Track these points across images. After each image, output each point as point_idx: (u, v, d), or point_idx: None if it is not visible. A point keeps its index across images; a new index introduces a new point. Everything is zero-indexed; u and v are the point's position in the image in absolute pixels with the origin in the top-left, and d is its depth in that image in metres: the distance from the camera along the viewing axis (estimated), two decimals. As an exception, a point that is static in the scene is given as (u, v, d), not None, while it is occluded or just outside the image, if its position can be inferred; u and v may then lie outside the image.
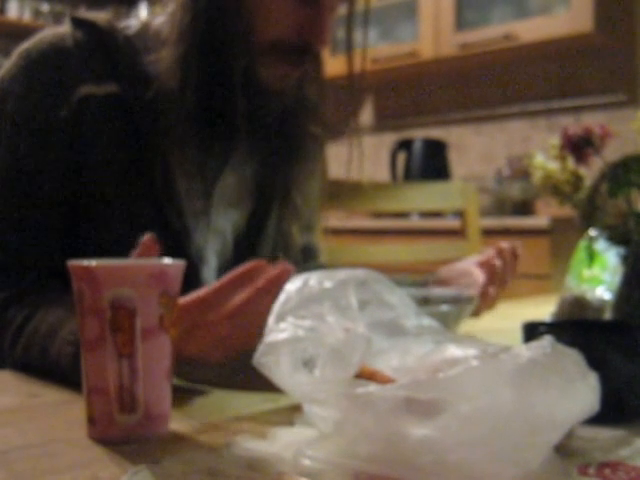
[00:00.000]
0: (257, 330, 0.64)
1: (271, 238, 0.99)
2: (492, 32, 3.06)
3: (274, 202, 0.98)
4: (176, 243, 0.87)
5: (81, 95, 0.84)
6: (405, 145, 3.33)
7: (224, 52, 0.82)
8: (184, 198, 0.87)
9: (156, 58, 0.85)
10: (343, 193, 1.63)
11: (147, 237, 0.64)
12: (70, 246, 0.86)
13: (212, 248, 0.92)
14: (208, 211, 0.91)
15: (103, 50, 0.87)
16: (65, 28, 0.88)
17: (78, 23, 0.88)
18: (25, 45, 0.87)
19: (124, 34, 0.88)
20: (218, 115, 0.85)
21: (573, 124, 0.85)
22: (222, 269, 0.92)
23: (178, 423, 0.56)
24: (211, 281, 0.89)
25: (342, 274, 0.57)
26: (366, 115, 3.85)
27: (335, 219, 3.05)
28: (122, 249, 0.85)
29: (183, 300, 0.65)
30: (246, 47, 0.83)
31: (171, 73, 0.83)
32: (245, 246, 0.96)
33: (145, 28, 0.90)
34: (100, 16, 0.89)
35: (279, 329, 0.52)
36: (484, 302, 1.01)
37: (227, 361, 0.68)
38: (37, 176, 0.85)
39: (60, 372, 0.69)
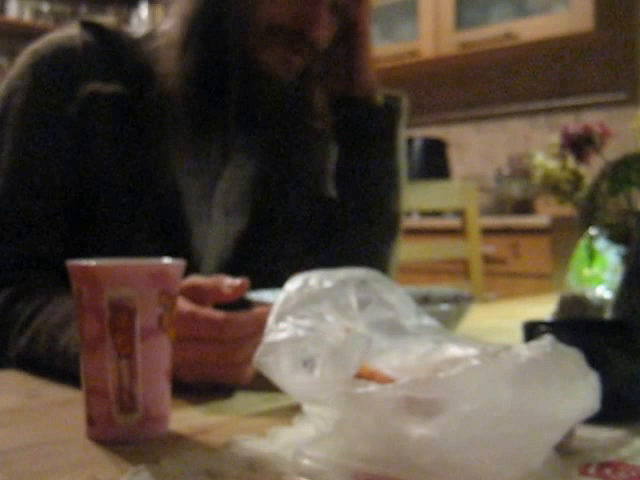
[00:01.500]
0: (244, 367, 0.64)
1: (274, 240, 0.98)
2: (492, 31, 3.06)
3: (275, 204, 0.97)
4: (177, 242, 0.88)
5: (88, 92, 0.86)
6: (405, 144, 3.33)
7: (224, 34, 0.84)
8: (185, 197, 0.88)
9: (160, 47, 0.87)
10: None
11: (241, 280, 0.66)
12: (74, 245, 0.87)
13: (213, 248, 0.92)
14: (209, 210, 0.91)
15: (110, 51, 0.89)
16: (73, 30, 0.91)
17: (86, 25, 0.91)
18: (34, 45, 0.90)
19: (131, 37, 0.91)
20: (214, 100, 0.86)
21: (573, 123, 0.85)
22: (222, 269, 0.92)
23: (178, 423, 0.56)
24: None
25: (342, 274, 0.57)
26: (366, 114, 3.85)
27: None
28: (123, 248, 0.85)
29: (199, 309, 0.64)
30: (246, 29, 0.85)
31: (173, 55, 0.85)
32: (247, 246, 0.96)
33: (152, 32, 0.93)
34: (108, 20, 0.93)
35: (279, 329, 0.51)
36: None
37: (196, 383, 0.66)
38: (44, 171, 0.86)
39: (66, 363, 0.69)
